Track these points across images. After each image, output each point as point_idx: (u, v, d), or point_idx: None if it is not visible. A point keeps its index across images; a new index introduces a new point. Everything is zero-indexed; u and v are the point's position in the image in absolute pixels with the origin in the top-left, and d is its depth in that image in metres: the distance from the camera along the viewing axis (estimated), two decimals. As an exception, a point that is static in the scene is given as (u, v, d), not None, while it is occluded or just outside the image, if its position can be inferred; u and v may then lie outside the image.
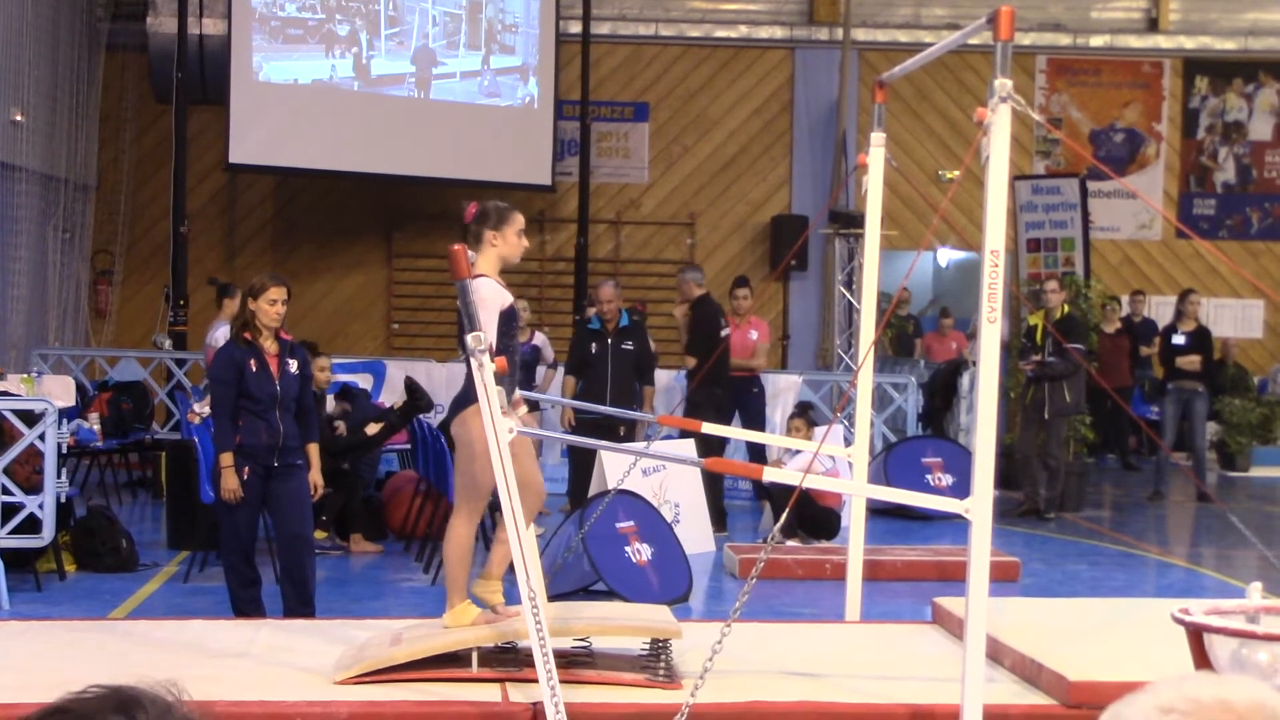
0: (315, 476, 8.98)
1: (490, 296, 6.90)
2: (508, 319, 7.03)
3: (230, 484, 8.51)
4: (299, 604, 8.72)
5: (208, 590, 10.36)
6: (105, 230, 19.40)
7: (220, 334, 13.34)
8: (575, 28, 19.45)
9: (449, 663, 6.92)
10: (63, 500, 10.62)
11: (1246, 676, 1.87)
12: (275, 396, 8.65)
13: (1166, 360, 16.67)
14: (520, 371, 13.09)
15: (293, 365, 8.80)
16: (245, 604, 8.79)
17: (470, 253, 6.90)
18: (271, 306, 8.68)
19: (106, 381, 16.23)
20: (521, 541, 6.30)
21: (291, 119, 17.53)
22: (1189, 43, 20.49)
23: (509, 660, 6.92)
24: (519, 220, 7.30)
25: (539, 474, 7.47)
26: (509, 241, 7.19)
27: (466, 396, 6.90)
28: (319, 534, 12.02)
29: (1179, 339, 16.65)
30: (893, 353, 19.92)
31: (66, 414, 11.64)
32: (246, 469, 8.55)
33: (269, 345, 8.73)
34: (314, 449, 9.02)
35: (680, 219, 20.25)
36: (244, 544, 8.77)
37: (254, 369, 8.62)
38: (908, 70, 8.17)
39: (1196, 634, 5.26)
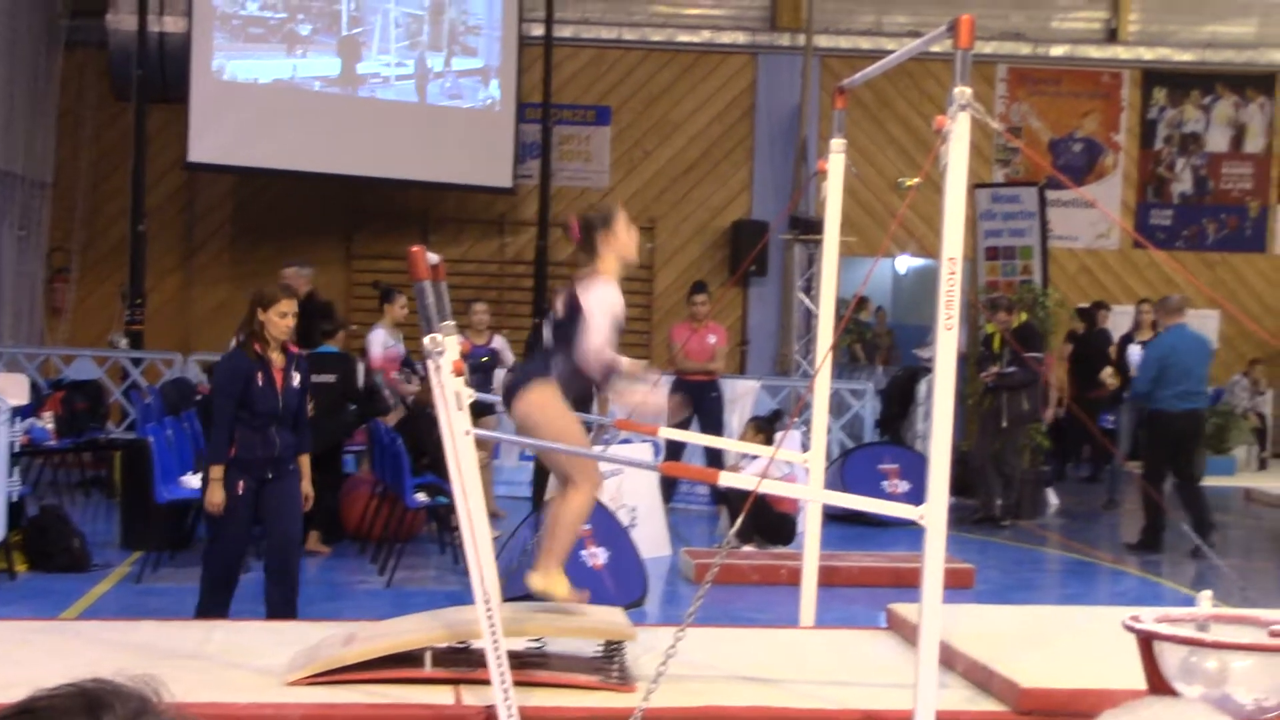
0: (306, 487, 8.80)
1: (611, 302, 6.93)
2: (615, 329, 7.03)
3: (216, 498, 8.37)
4: (283, 604, 8.66)
5: (161, 591, 10.32)
6: (62, 228, 19.29)
7: (377, 337, 13.36)
8: (538, 30, 19.45)
9: (402, 663, 6.90)
10: (14, 499, 10.55)
11: (1197, 701, 1.89)
12: (277, 412, 8.52)
13: (1123, 369, 16.74)
14: (477, 374, 13.16)
15: (296, 379, 8.65)
16: (210, 610, 8.66)
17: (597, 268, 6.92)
18: (282, 319, 8.48)
19: (61, 380, 16.13)
20: (476, 543, 6.28)
21: (252, 118, 17.47)
22: (1148, 54, 20.61)
23: (462, 661, 6.90)
24: (622, 214, 7.23)
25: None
26: (621, 238, 7.12)
27: (517, 381, 6.99)
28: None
29: (1136, 349, 16.72)
30: (865, 360, 20.01)
31: (20, 412, 11.57)
32: (241, 483, 8.45)
33: (276, 358, 8.56)
34: (306, 460, 8.83)
35: (641, 223, 20.09)
36: (228, 558, 8.66)
37: (260, 383, 8.46)
38: (868, 77, 8.19)
39: (1146, 642, 5.28)
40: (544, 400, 6.85)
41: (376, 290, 14.50)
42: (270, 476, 8.53)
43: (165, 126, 18.10)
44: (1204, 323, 19.68)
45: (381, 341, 13.42)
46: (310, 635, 7.62)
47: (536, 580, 7.10)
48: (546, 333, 7.18)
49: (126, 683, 1.78)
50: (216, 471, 8.40)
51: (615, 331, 7.04)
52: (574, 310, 6.97)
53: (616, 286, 7.06)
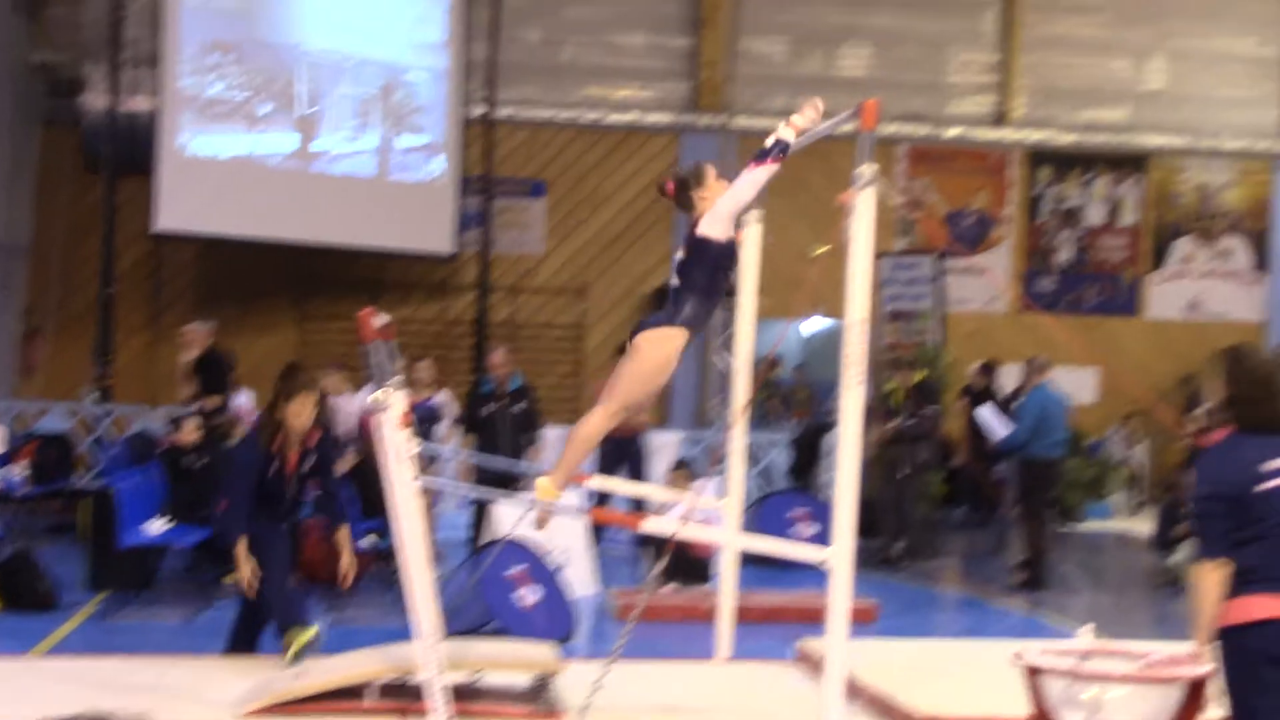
0: (346, 563, 8.24)
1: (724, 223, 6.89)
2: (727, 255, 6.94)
3: (246, 574, 7.93)
4: (247, 640, 8.43)
5: (125, 629, 10.20)
6: (37, 289, 19.09)
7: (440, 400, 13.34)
8: (480, 110, 19.48)
9: (350, 695, 6.85)
10: (-11, 543, 10.42)
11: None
12: (283, 501, 8.20)
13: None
14: (420, 426, 13.11)
15: (308, 464, 8.25)
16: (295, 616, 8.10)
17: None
18: (300, 416, 8.07)
19: (32, 433, 15.94)
20: (419, 584, 6.24)
21: (214, 190, 17.37)
22: (1033, 136, 20.83)
23: (406, 693, 6.85)
24: (711, 169, 7.23)
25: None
26: (712, 188, 7.09)
27: (645, 323, 6.94)
28: (232, 578, 11.86)
29: (984, 410, 16.83)
30: (780, 410, 20.05)
31: (-3, 461, 11.44)
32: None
33: (293, 453, 8.17)
34: (344, 533, 8.36)
35: (573, 287, 20.26)
36: (285, 565, 8.22)
37: (271, 474, 8.13)
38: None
39: (1032, 674, 5.30)
40: (656, 340, 6.77)
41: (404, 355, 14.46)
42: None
43: (134, 197, 17.95)
44: (1084, 380, 19.90)
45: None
46: (264, 670, 7.55)
47: (541, 485, 6.94)
48: (673, 279, 7.02)
49: (122, 716, 1.76)
50: (242, 548, 7.97)
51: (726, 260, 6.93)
52: (693, 245, 6.91)
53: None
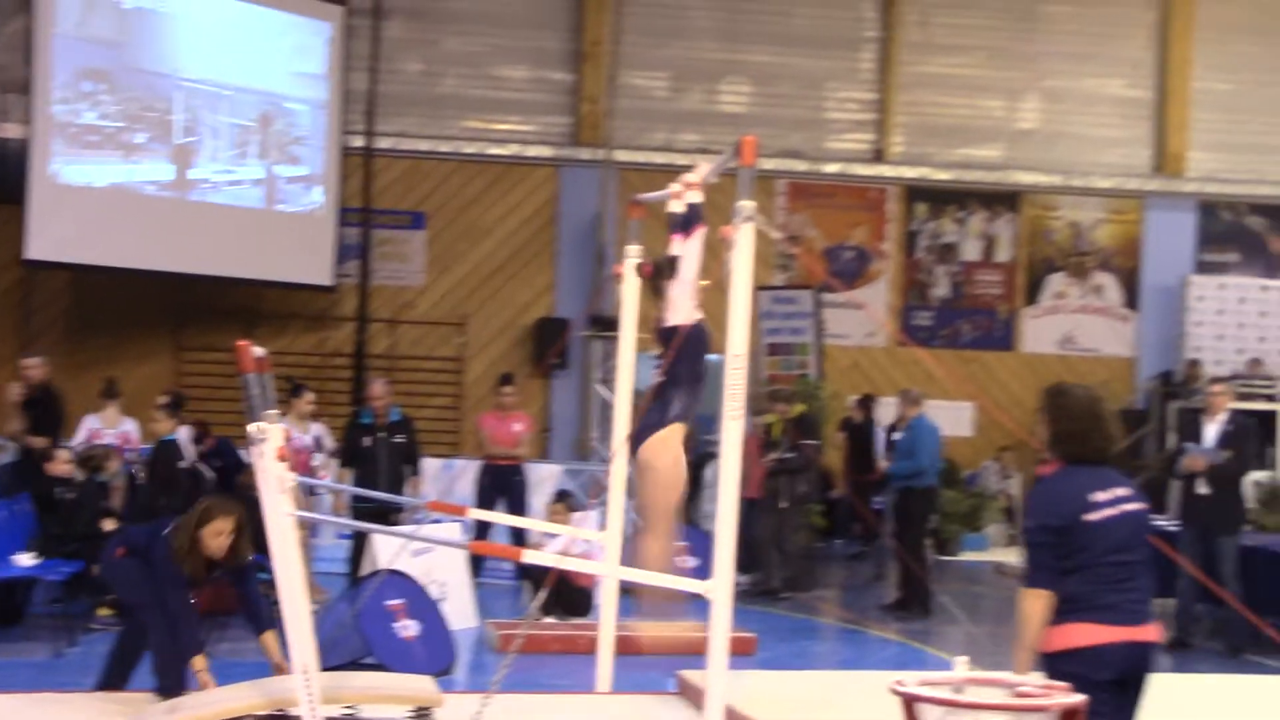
0: (276, 669, 7.76)
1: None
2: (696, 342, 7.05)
3: (208, 684, 7.64)
4: (120, 676, 8.31)
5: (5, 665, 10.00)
6: (-99, 320, 18.68)
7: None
8: (359, 142, 19.40)
9: (225, 732, 6.76)
10: None
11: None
12: (186, 606, 7.98)
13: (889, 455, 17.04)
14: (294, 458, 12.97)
15: (216, 573, 8.07)
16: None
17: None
18: (218, 538, 7.86)
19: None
20: (296, 617, 6.19)
21: (87, 219, 17.12)
22: (910, 172, 21.13)
23: (282, 729, 6.78)
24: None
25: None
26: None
27: (640, 431, 7.02)
28: (104, 611, 11.69)
29: (898, 436, 17.03)
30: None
31: None
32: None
33: (201, 569, 7.95)
34: (270, 638, 7.91)
35: (452, 319, 20.20)
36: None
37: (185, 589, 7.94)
38: (660, 198, 8.29)
39: (909, 703, 5.36)
40: (660, 448, 6.93)
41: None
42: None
43: (4, 225, 17.67)
44: (960, 414, 20.17)
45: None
46: (137, 706, 7.43)
47: (649, 627, 7.34)
48: (654, 381, 7.10)
49: None
50: (199, 663, 7.74)
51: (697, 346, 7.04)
52: (666, 337, 7.04)
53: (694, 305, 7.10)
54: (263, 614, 8.06)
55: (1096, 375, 21.06)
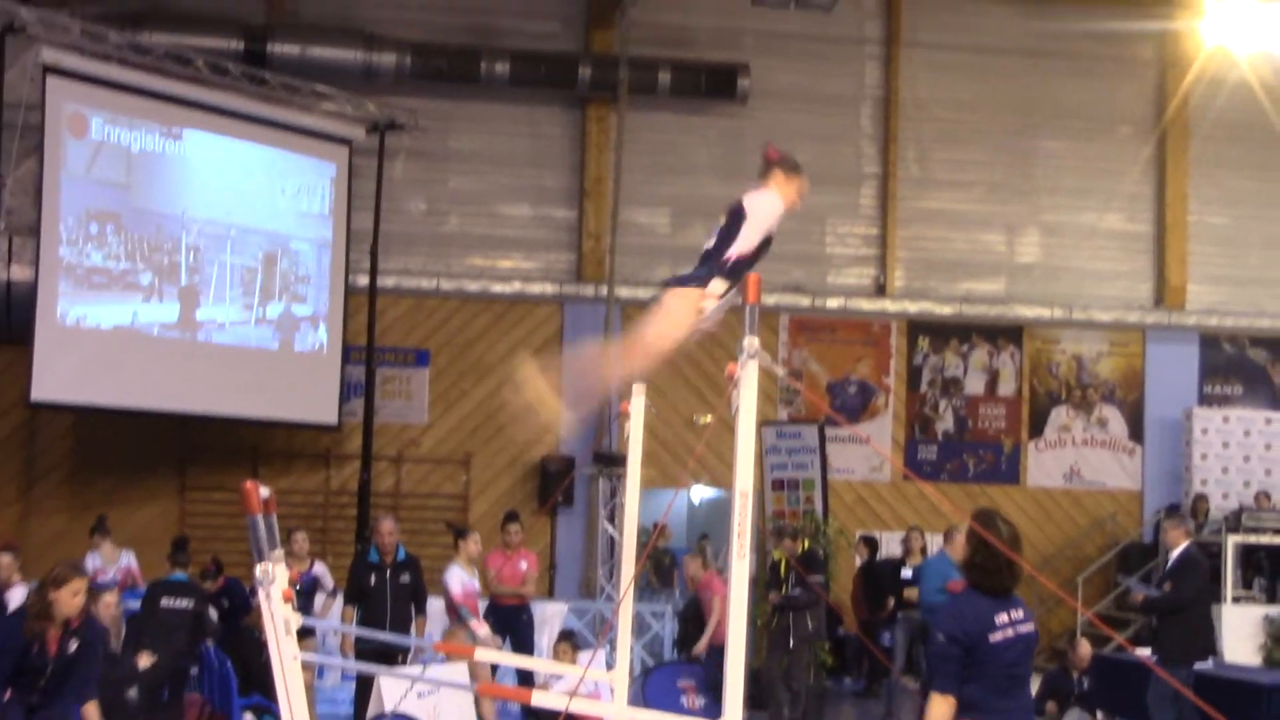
0: None
1: (768, 213, 7.21)
2: (765, 244, 7.19)
3: None
4: None
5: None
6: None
7: (454, 574, 13.07)
8: (363, 280, 19.51)
9: None
10: None
11: None
12: (38, 683, 8.11)
13: (895, 591, 16.96)
14: (300, 599, 12.92)
15: (72, 645, 8.25)
16: None
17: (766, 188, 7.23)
18: (74, 598, 8.17)
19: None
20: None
21: (93, 360, 17.17)
22: (912, 307, 21.23)
23: None
24: (805, 183, 7.56)
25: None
26: (789, 191, 7.43)
27: (677, 279, 7.17)
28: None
29: (906, 572, 16.99)
30: (657, 582, 19.96)
31: None
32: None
33: (54, 632, 8.17)
34: (91, 709, 8.34)
35: (457, 457, 20.20)
36: None
37: (34, 651, 8.12)
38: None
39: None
40: (680, 300, 7.07)
41: (450, 530, 14.34)
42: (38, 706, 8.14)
43: (10, 366, 17.76)
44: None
45: (459, 578, 13.27)
46: None
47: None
48: (710, 240, 7.24)
49: None
50: None
51: (764, 248, 7.18)
52: (734, 214, 7.13)
53: (779, 200, 7.31)
54: (90, 684, 8.36)
55: (1103, 509, 21.05)
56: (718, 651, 14.77)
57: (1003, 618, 6.34)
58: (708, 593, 15.06)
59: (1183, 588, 13.16)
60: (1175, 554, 13.35)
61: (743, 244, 7.13)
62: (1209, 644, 13.62)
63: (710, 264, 7.17)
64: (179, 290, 17.91)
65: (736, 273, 7.14)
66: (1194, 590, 13.23)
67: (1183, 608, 13.14)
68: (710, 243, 7.28)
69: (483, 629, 13.00)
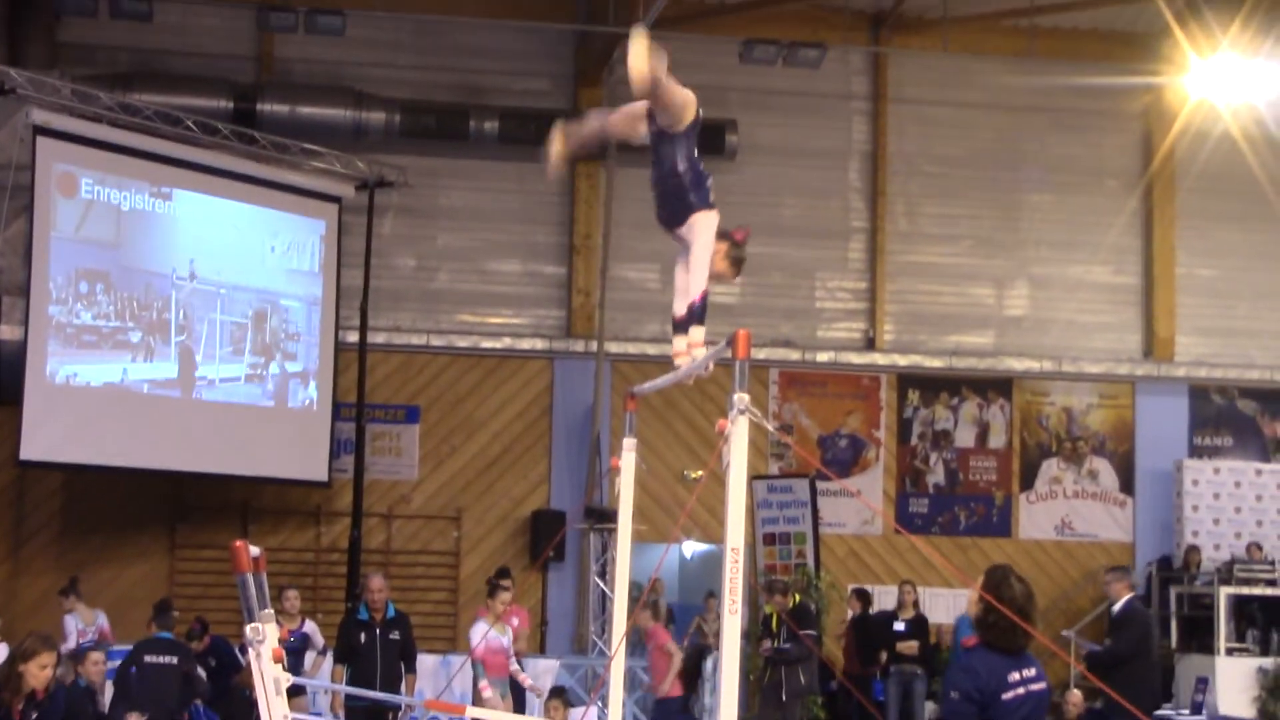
0: None
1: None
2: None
3: None
4: None
5: None
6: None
7: (479, 629, 13.03)
8: (353, 337, 19.49)
9: None
10: None
11: None
12: None
13: (888, 645, 16.93)
14: (290, 658, 12.87)
15: (32, 716, 8.21)
16: None
17: None
18: (43, 671, 8.14)
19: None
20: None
21: (83, 419, 17.14)
22: (902, 360, 21.26)
23: None
24: (732, 271, 8.15)
25: None
26: (720, 258, 8.22)
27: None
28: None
29: (899, 625, 16.97)
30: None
31: None
32: None
33: (18, 703, 8.14)
34: None
35: (448, 513, 20.16)
36: None
37: None
38: (657, 388, 8.35)
39: None
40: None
41: (487, 585, 14.39)
42: None
43: (-1, 425, 17.74)
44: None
45: (481, 633, 13.20)
46: None
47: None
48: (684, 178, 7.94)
49: None
50: None
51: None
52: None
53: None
54: None
55: (1095, 560, 21.02)
56: (661, 705, 14.78)
57: (1015, 676, 6.38)
58: (651, 644, 14.99)
59: (1122, 641, 13.26)
60: (1118, 607, 13.39)
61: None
62: (1157, 695, 13.63)
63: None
64: (168, 348, 17.87)
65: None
66: (1134, 643, 13.25)
67: (1123, 661, 13.14)
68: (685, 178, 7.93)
69: (487, 691, 12.94)
